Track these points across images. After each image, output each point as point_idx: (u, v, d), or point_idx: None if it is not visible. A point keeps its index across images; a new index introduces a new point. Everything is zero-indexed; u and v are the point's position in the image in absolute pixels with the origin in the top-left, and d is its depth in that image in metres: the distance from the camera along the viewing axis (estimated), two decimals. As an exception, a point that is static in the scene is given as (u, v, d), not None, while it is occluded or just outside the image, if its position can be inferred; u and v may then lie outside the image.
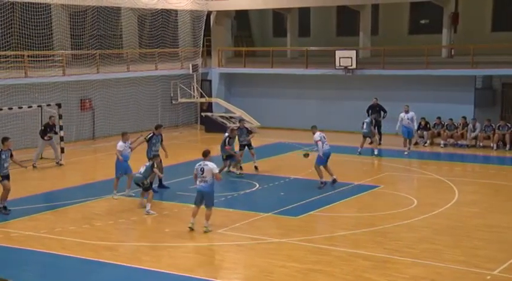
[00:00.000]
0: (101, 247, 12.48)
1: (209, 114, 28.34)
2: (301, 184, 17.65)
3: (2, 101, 21.72)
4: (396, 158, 21.35)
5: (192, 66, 28.32)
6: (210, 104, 29.20)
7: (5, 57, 22.14)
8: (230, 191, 16.81)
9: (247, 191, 17.13)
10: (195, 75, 28.47)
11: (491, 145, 22.86)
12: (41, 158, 21.17)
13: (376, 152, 21.69)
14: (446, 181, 17.98)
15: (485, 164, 21.23)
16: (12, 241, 12.93)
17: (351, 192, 16.81)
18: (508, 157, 22.01)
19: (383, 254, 11.78)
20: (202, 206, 13.25)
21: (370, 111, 23.99)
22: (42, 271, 11.54)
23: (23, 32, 22.57)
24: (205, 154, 13.33)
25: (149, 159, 16.08)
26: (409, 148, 22.23)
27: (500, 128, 22.95)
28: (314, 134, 17.09)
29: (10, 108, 20.67)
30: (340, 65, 26.06)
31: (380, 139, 23.51)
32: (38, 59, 23.73)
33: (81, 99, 25.67)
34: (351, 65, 25.86)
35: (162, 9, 27.38)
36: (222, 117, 27.94)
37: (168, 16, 27.92)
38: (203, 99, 28.83)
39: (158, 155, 16.16)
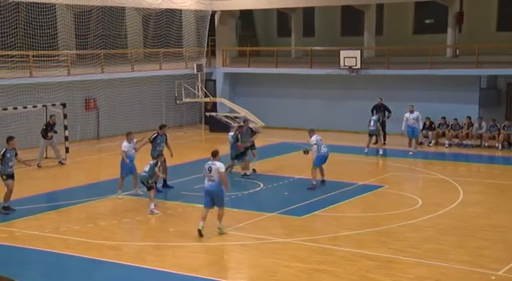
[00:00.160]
0: (105, 246, 12.49)
1: (213, 114, 28.34)
2: (306, 184, 17.59)
3: (7, 100, 21.77)
4: (401, 158, 21.30)
5: (197, 66, 28.34)
6: (214, 104, 29.21)
7: (10, 57, 22.19)
8: (234, 191, 16.79)
9: (252, 191, 17.12)
10: (199, 75, 28.49)
11: (496, 144, 22.79)
12: (46, 157, 21.21)
13: (381, 152, 21.64)
14: (451, 181, 17.93)
15: (490, 164, 21.18)
16: (16, 240, 12.96)
17: (355, 192, 16.79)
18: (513, 157, 21.95)
19: (387, 254, 11.75)
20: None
21: (374, 111, 23.93)
22: (46, 270, 11.56)
23: (28, 32, 22.62)
24: (214, 154, 13.22)
25: (153, 158, 16.12)
26: (415, 148, 22.16)
27: (506, 128, 22.88)
28: (311, 137, 17.08)
29: (15, 108, 20.74)
30: (344, 65, 26.03)
31: (384, 139, 23.45)
32: (42, 59, 23.79)
33: (85, 99, 25.72)
34: (356, 65, 25.83)
35: (166, 9, 27.40)
36: (226, 117, 27.94)
37: (172, 16, 27.94)
38: (207, 99, 28.84)
39: (162, 154, 16.17)
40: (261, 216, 14.46)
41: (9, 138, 15.15)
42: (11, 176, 14.93)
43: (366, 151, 21.66)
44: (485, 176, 19.45)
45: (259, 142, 20.30)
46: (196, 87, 28.54)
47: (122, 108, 26.75)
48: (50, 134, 20.59)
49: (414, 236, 12.87)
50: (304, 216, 14.51)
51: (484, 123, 23.19)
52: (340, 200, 15.87)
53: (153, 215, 14.69)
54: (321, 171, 17.36)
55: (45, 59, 23.87)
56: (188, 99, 28.58)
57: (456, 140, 23.57)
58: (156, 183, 16.24)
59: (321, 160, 17.06)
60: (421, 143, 23.54)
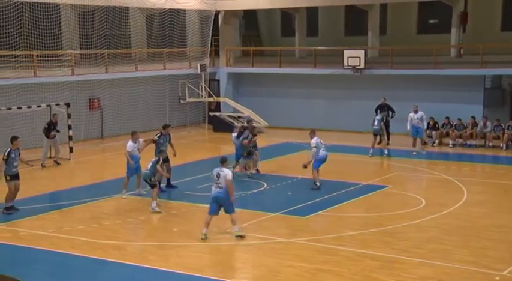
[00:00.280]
0: (109, 246, 12.51)
1: (217, 114, 28.36)
2: (309, 184, 17.59)
3: (11, 100, 21.82)
4: (405, 158, 21.27)
5: (200, 66, 28.35)
6: (218, 104, 29.22)
7: (15, 57, 22.24)
8: (238, 191, 16.69)
9: (255, 191, 17.13)
10: (203, 75, 28.51)
11: (501, 144, 22.74)
12: (50, 157, 21.24)
13: (386, 152, 21.52)
14: (455, 181, 17.91)
15: (494, 164, 21.15)
16: (20, 240, 12.99)
17: (359, 192, 16.78)
18: (517, 157, 21.91)
19: (391, 254, 11.74)
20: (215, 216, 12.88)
21: (378, 111, 23.92)
22: (51, 270, 11.58)
23: (32, 32, 22.66)
24: (223, 161, 13.02)
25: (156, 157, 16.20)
26: (422, 149, 22.03)
27: (510, 128, 22.82)
28: (311, 139, 17.09)
29: (19, 108, 20.79)
30: (348, 65, 26.01)
31: (388, 139, 23.43)
32: (47, 58, 23.85)
33: (89, 99, 25.76)
34: (359, 65, 25.81)
35: (170, 9, 27.42)
36: (230, 117, 27.96)
37: (176, 16, 27.96)
38: (211, 99, 28.86)
39: (164, 151, 16.18)
40: (264, 216, 14.47)
41: (14, 138, 15.16)
42: (15, 177, 14.93)
43: (370, 151, 21.60)
44: (490, 176, 19.42)
45: (262, 142, 20.33)
46: (200, 87, 28.56)
47: (125, 108, 26.79)
48: (52, 133, 20.63)
49: (418, 236, 12.86)
50: (308, 216, 14.52)
51: (489, 123, 23.15)
52: (344, 200, 15.86)
53: (155, 213, 14.71)
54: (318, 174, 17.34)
55: (49, 58, 23.93)
56: (192, 99, 28.60)
57: (460, 140, 23.54)
58: (160, 182, 16.30)
59: (319, 163, 17.09)
60: (425, 143, 23.49)
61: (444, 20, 29.55)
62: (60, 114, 21.52)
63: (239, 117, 27.82)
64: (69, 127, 21.71)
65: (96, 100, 25.94)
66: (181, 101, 28.51)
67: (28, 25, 22.70)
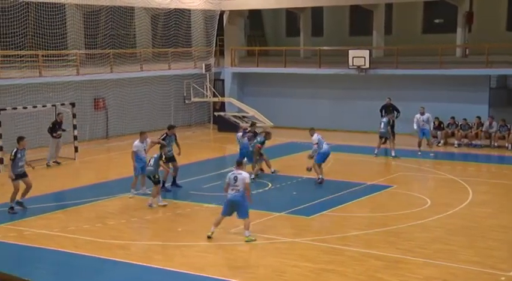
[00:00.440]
0: (113, 245, 12.53)
1: (222, 113, 28.37)
2: (314, 184, 17.61)
3: (16, 100, 21.88)
4: (410, 158, 21.21)
5: (205, 65, 28.35)
6: (222, 104, 29.24)
7: (20, 57, 22.31)
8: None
9: (260, 190, 17.10)
10: (208, 74, 28.51)
11: (506, 144, 22.66)
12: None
13: (393, 154, 21.35)
14: (460, 181, 17.85)
15: (500, 164, 21.09)
16: (25, 239, 13.02)
17: (363, 192, 16.75)
18: (523, 157, 21.83)
19: (396, 254, 11.72)
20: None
21: (383, 111, 23.88)
22: (55, 269, 11.60)
23: (38, 31, 22.72)
24: (239, 163, 13.09)
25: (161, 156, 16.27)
26: (430, 151, 21.83)
27: (515, 128, 22.76)
28: (312, 136, 17.44)
29: (25, 108, 20.84)
30: (353, 65, 25.97)
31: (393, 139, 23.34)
32: (52, 58, 23.91)
33: (94, 99, 25.80)
34: (364, 65, 25.77)
35: (175, 8, 27.45)
36: (234, 116, 27.96)
37: (181, 16, 27.98)
38: (216, 99, 28.87)
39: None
40: (269, 216, 14.45)
41: (20, 139, 15.18)
42: (21, 176, 14.96)
43: (375, 152, 21.54)
44: (495, 176, 19.35)
45: (267, 142, 20.25)
46: (205, 87, 28.56)
47: (130, 108, 26.83)
48: (58, 132, 20.68)
49: (423, 237, 12.83)
50: (313, 216, 14.50)
51: (494, 123, 23.07)
52: (349, 200, 15.84)
53: (158, 213, 14.76)
54: (321, 169, 17.61)
55: (54, 58, 23.99)
56: (197, 99, 28.61)
57: (465, 140, 23.46)
58: (165, 182, 16.36)
59: (322, 157, 17.38)
60: (431, 144, 23.39)
61: (449, 19, 29.48)
62: (65, 113, 21.56)
63: (244, 117, 27.82)
64: (74, 127, 21.75)
65: (101, 100, 25.98)
66: (186, 101, 28.53)
67: (33, 25, 22.75)
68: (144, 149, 16.46)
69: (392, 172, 19.93)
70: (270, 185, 17.62)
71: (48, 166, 20.34)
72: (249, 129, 19.38)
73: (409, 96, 25.32)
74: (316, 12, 33.29)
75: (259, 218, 14.23)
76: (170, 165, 16.91)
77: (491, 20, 29.20)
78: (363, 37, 31.28)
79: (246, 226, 12.64)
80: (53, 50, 23.32)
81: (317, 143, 17.29)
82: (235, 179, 12.50)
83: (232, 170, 13.01)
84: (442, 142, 23.76)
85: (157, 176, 15.33)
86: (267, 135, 18.91)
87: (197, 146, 24.26)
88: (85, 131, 24.65)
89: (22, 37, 22.18)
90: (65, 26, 24.73)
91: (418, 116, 22.12)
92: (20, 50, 22.24)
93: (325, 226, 13.98)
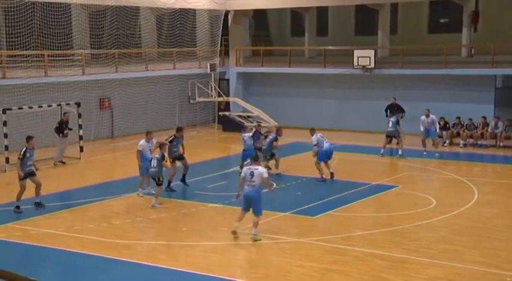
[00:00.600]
0: (119, 245, 12.55)
1: (227, 113, 28.37)
2: (319, 184, 17.61)
3: (22, 100, 21.94)
4: (415, 158, 21.17)
5: (210, 65, 28.38)
6: (227, 104, 29.24)
7: (26, 57, 22.37)
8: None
9: (265, 190, 17.05)
10: (212, 74, 28.54)
11: (512, 145, 22.63)
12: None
13: (400, 153, 21.31)
14: (465, 181, 17.81)
15: (505, 164, 21.01)
16: (31, 238, 13.05)
17: (368, 192, 16.73)
18: (528, 157, 21.75)
19: (401, 254, 11.70)
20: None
21: (388, 111, 23.84)
22: (61, 269, 11.63)
23: (43, 31, 22.79)
24: (255, 159, 13.08)
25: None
26: (436, 151, 21.78)
27: (521, 128, 22.69)
28: (312, 136, 17.85)
29: (30, 107, 20.90)
30: (358, 65, 25.95)
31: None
32: (57, 58, 23.98)
33: (100, 99, 25.86)
34: (369, 65, 25.74)
35: (180, 8, 27.48)
36: (239, 116, 27.96)
37: (186, 15, 28.02)
38: (221, 99, 28.88)
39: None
40: (274, 216, 14.44)
41: (29, 138, 15.18)
42: (29, 175, 14.95)
43: (381, 151, 21.49)
44: (501, 176, 19.30)
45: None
46: (210, 86, 28.59)
47: (135, 108, 26.88)
48: (65, 131, 20.76)
49: (428, 237, 12.80)
50: (317, 216, 14.49)
51: (500, 123, 23.02)
52: (354, 200, 15.82)
53: (161, 212, 14.78)
54: (328, 166, 17.92)
55: (60, 58, 24.06)
56: (201, 99, 28.63)
57: (471, 140, 23.41)
58: (170, 182, 16.41)
59: (323, 155, 17.62)
60: (437, 143, 23.34)
61: (455, 19, 29.41)
62: (70, 113, 21.62)
63: (249, 117, 27.82)
64: (80, 126, 21.81)
65: (106, 100, 26.04)
66: (191, 101, 28.56)
67: (39, 25, 22.82)
68: (150, 149, 16.51)
69: (397, 171, 19.89)
70: (275, 185, 17.59)
71: (60, 163, 20.50)
72: (264, 131, 19.58)
73: (415, 96, 25.28)
74: (321, 12, 33.27)
75: (264, 218, 14.16)
76: (179, 163, 17.03)
77: (497, 19, 29.08)
78: (368, 37, 31.24)
79: (254, 224, 12.64)
80: (58, 50, 23.39)
81: (316, 144, 17.67)
82: (252, 174, 12.51)
83: (249, 167, 12.94)
84: (447, 142, 23.70)
85: (161, 179, 15.36)
86: (279, 131, 18.97)
87: (202, 146, 24.28)
88: (90, 130, 24.71)
89: (28, 37, 22.25)
90: (71, 26, 24.79)
91: (423, 118, 22.07)
92: (26, 50, 22.31)
93: (330, 226, 13.96)
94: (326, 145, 17.75)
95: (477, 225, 13.67)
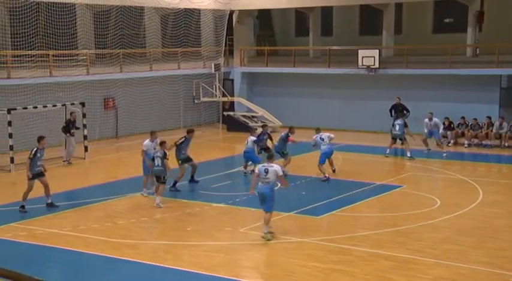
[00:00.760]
0: (123, 245, 12.58)
1: (231, 113, 28.39)
2: (323, 184, 17.61)
3: (27, 100, 22.00)
4: (419, 158, 21.13)
5: (215, 65, 28.41)
6: (232, 103, 29.26)
7: (30, 57, 22.43)
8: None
9: (278, 187, 17.08)
10: (217, 74, 28.57)
11: (517, 145, 22.57)
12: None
13: (409, 155, 21.12)
14: (470, 181, 17.78)
15: (510, 164, 20.95)
16: (36, 238, 13.09)
17: (373, 192, 16.72)
18: (533, 158, 21.68)
19: (405, 254, 11.69)
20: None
21: (392, 111, 23.81)
22: (66, 268, 11.66)
23: (48, 31, 22.85)
24: (270, 156, 13.36)
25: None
26: (442, 150, 21.65)
27: (526, 128, 22.63)
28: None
29: (35, 107, 20.96)
30: (362, 65, 25.92)
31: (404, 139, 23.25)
32: (62, 58, 24.03)
33: (104, 98, 25.91)
34: (374, 65, 25.72)
35: (184, 8, 27.52)
36: (244, 116, 27.97)
37: (190, 15, 28.04)
38: (225, 99, 28.90)
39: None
40: (278, 216, 14.42)
41: (40, 138, 15.19)
42: (38, 175, 15.01)
43: (387, 152, 21.44)
44: (505, 176, 19.26)
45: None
46: (214, 86, 28.61)
47: (140, 108, 26.92)
48: (72, 130, 20.84)
49: (432, 237, 12.79)
50: (321, 216, 14.49)
51: (505, 123, 22.96)
52: (358, 200, 15.82)
53: (165, 212, 14.80)
54: (331, 162, 18.49)
55: (64, 58, 24.12)
56: (206, 99, 28.66)
57: (475, 140, 23.36)
58: (177, 182, 16.47)
59: (323, 157, 18.13)
60: (441, 143, 23.31)
61: (460, 19, 29.36)
62: (76, 113, 21.67)
63: (253, 116, 27.82)
64: (85, 126, 21.86)
65: (111, 99, 26.09)
66: (196, 101, 28.60)
67: (44, 25, 22.88)
68: (154, 148, 16.54)
69: (402, 171, 19.87)
70: (279, 184, 17.58)
71: (68, 163, 20.61)
72: (269, 130, 19.77)
73: (419, 96, 25.24)
74: (326, 12, 33.24)
75: (268, 218, 14.24)
76: (187, 165, 17.11)
77: (502, 19, 29.03)
78: (372, 37, 31.22)
79: (265, 221, 12.68)
80: (63, 50, 23.45)
81: (314, 145, 18.33)
82: (266, 171, 12.62)
83: (263, 164, 13.09)
84: (452, 142, 23.66)
85: (166, 177, 15.41)
86: (291, 129, 19.04)
87: (206, 146, 24.30)
88: (95, 130, 24.76)
89: (33, 37, 22.31)
90: (75, 26, 24.85)
91: (426, 121, 22.04)
92: (31, 50, 22.36)
93: (334, 226, 13.96)
94: (323, 148, 18.10)
95: (481, 225, 13.64)
